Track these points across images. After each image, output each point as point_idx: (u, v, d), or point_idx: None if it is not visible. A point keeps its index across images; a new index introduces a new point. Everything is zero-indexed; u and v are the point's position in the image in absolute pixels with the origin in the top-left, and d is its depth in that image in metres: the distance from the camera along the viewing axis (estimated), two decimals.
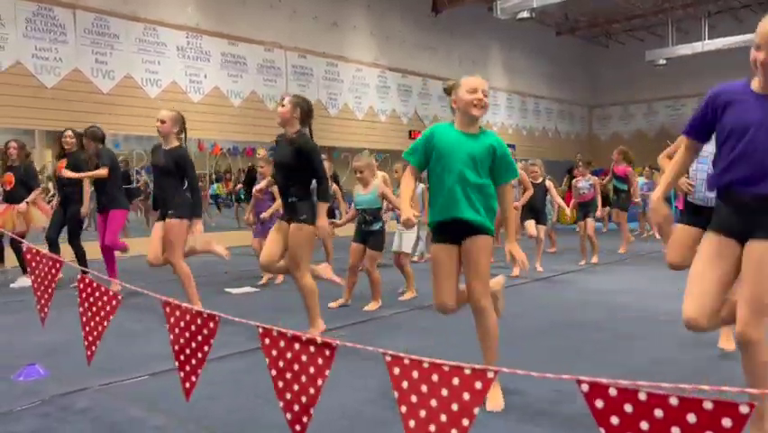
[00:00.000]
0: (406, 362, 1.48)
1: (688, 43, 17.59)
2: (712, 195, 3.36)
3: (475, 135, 3.14)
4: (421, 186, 8.44)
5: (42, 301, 2.97)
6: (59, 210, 7.03)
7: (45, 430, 2.99)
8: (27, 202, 7.18)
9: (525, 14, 13.88)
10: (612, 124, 22.10)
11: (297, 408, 1.71)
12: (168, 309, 2.23)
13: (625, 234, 10.20)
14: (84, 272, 2.67)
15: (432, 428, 1.42)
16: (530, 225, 8.00)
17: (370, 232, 5.73)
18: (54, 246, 6.86)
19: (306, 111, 4.39)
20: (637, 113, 21.40)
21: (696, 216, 3.81)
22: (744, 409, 1.20)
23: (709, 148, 3.69)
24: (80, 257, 7.02)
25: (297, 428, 1.71)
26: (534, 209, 8.10)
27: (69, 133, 6.91)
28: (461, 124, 3.17)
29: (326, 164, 9.05)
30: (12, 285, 7.17)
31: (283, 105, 4.36)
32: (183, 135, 5.20)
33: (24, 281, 7.15)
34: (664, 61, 18.04)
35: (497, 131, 18.45)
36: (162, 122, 5.09)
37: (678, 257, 3.85)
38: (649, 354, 4.25)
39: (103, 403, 3.35)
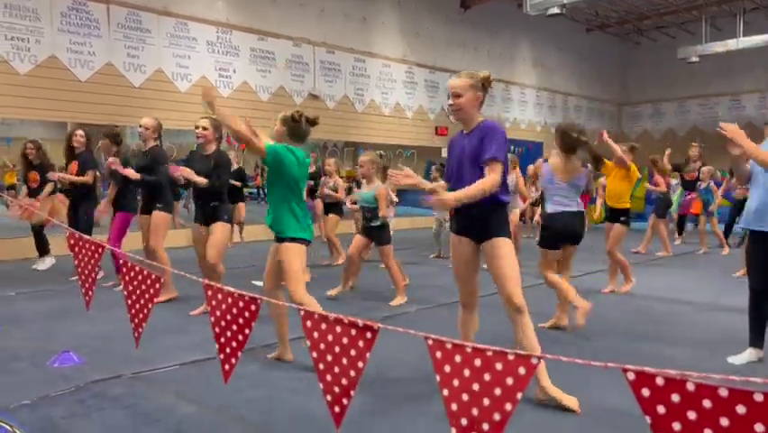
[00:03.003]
0: (449, 346, 1.47)
1: (721, 40, 17.19)
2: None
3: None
4: (442, 183, 8.38)
5: (87, 285, 3.02)
6: (71, 215, 6.93)
7: (80, 416, 3.04)
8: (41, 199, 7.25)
9: (555, 10, 13.65)
10: (642, 122, 21.75)
11: (337, 390, 1.71)
12: (210, 293, 2.29)
13: (664, 239, 9.81)
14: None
15: (474, 411, 1.41)
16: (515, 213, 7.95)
17: (371, 228, 5.96)
18: None
19: (221, 131, 5.20)
20: (668, 111, 21.02)
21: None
22: None
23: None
24: None
25: (337, 409, 1.72)
26: None
27: (81, 132, 6.94)
28: None
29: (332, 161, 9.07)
30: (34, 267, 7.60)
31: (205, 129, 5.06)
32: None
33: (45, 263, 7.65)
34: (697, 59, 17.61)
35: (525, 128, 18.36)
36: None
37: None
38: (682, 355, 4.18)
39: (135, 391, 3.39)
